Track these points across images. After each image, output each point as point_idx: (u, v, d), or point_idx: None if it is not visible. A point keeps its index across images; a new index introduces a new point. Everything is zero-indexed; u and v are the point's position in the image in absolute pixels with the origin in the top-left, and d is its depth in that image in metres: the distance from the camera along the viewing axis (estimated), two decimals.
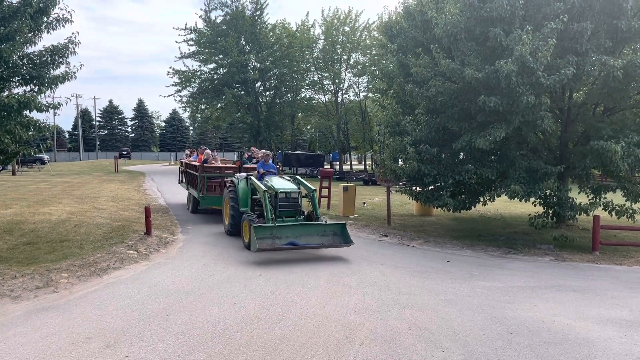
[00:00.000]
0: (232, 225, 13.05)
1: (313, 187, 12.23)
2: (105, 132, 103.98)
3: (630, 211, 12.02)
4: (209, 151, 17.65)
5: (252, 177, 12.75)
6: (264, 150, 15.16)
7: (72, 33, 11.35)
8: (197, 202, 17.01)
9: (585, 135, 13.34)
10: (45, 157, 53.17)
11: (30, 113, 10.96)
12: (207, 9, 43.34)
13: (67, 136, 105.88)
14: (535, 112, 11.75)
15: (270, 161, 14.16)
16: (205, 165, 16.16)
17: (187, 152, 21.68)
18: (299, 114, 55.07)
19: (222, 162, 18.03)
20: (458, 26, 12.43)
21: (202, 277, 9.15)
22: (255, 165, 15.28)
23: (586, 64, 11.75)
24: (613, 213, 12.29)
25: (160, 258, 10.74)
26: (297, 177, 12.96)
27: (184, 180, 19.70)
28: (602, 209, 12.40)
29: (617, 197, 12.73)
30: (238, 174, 13.83)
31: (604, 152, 11.13)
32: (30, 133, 11.24)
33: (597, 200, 12.61)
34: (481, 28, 12.26)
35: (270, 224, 10.81)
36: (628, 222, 12.74)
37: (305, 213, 11.86)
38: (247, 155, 18.03)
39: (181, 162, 20.76)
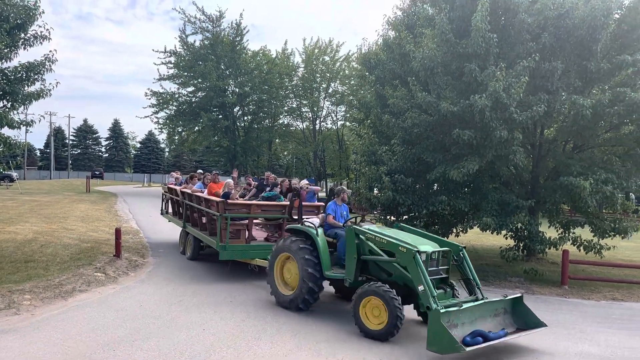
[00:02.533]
0: (309, 298, 8.68)
1: (457, 243, 8.55)
2: (79, 151, 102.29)
3: (598, 247, 12.27)
4: (231, 181, 12.27)
5: (358, 228, 8.56)
6: (339, 188, 10.28)
7: (50, 51, 11.25)
8: (200, 247, 13.41)
9: (556, 171, 13.66)
10: (14, 174, 51.87)
11: (1, 129, 10.74)
12: (186, 33, 43.47)
13: (38, 154, 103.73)
14: (508, 147, 12.01)
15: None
16: (231, 202, 11.13)
17: (176, 175, 17.63)
18: (277, 140, 55.15)
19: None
20: (435, 60, 12.73)
21: (171, 301, 8.95)
22: (312, 203, 11.99)
23: (557, 102, 12.13)
24: (581, 248, 12.54)
25: (129, 281, 10.49)
26: (403, 225, 9.34)
27: (176, 213, 15.73)
28: (571, 244, 12.64)
29: (585, 233, 13.00)
30: (311, 219, 9.66)
31: (573, 188, 11.40)
32: (0, 149, 10.99)
33: (566, 235, 12.86)
34: (457, 63, 12.57)
35: (452, 308, 6.96)
36: (595, 258, 13.00)
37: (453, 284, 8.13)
38: (252, 183, 14.56)
39: (169, 189, 16.61)
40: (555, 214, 13.67)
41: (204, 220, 12.57)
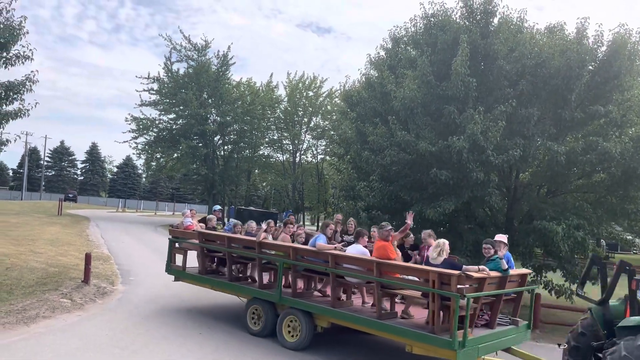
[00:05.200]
0: None
1: None
2: (53, 172, 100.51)
3: (569, 291, 12.40)
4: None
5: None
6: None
7: (32, 71, 11.18)
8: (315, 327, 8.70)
9: (530, 215, 13.89)
10: None
11: None
12: (171, 61, 43.67)
13: (10, 174, 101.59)
14: (484, 188, 12.22)
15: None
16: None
17: (189, 211, 12.15)
18: (256, 171, 55.10)
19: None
20: (415, 101, 12.99)
21: (138, 331, 8.71)
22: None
23: (532, 147, 12.43)
24: (552, 292, 12.65)
25: (95, 309, 10.20)
26: None
27: (237, 277, 10.36)
28: (543, 288, 12.74)
29: (556, 277, 13.15)
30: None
31: (546, 232, 11.59)
32: None
33: (539, 278, 12.98)
34: (437, 104, 12.85)
35: None
36: (566, 302, 13.11)
37: None
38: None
39: (201, 235, 10.61)
40: (528, 257, 13.82)
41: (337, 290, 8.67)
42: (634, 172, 12.30)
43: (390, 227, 8.23)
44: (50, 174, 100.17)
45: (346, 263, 8.28)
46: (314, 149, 51.55)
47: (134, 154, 46.98)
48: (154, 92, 43.22)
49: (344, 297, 8.84)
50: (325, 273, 8.64)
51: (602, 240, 20.94)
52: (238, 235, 10.16)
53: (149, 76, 42.75)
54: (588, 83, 13.00)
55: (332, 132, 44.26)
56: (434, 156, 12.19)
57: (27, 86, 11.08)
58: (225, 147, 49.13)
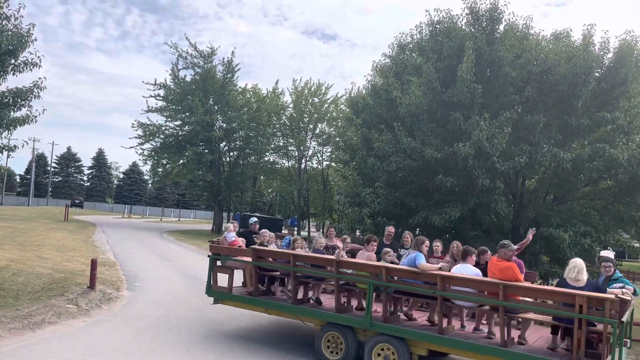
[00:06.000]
0: None
1: None
2: (60, 178, 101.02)
3: None
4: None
5: None
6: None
7: (39, 78, 11.26)
8: None
9: (536, 222, 13.83)
10: None
11: None
12: (177, 67, 43.91)
13: (18, 179, 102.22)
14: (490, 195, 12.19)
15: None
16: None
17: (232, 226, 10.77)
18: (261, 177, 55.20)
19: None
20: (421, 107, 13.01)
21: (144, 337, 8.71)
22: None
23: (538, 154, 12.41)
24: None
25: (101, 315, 10.20)
26: None
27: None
28: None
29: None
30: None
31: (553, 239, 11.55)
32: None
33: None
34: (442, 111, 12.86)
35: None
36: None
37: None
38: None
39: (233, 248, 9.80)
40: (534, 265, 13.76)
41: None
42: None
43: (513, 246, 7.47)
44: (57, 180, 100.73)
45: (458, 285, 7.40)
46: (319, 155, 51.63)
47: (140, 160, 47.21)
48: (160, 98, 43.46)
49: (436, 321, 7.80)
50: (417, 294, 7.89)
51: (609, 247, 20.80)
52: (310, 253, 9.10)
53: (155, 83, 43.00)
54: (594, 90, 12.99)
55: (337, 139, 44.32)
56: (439, 163, 12.18)
57: (34, 93, 11.16)
58: (231, 154, 49.24)
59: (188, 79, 43.89)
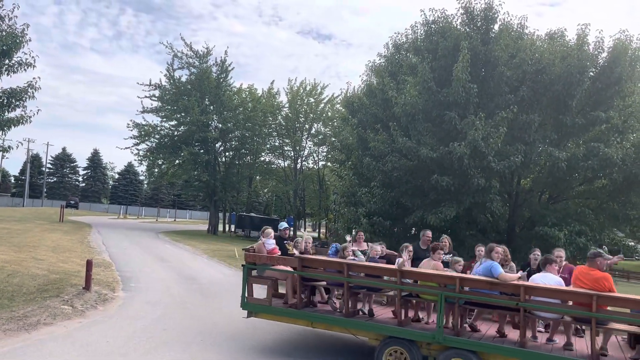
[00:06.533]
0: None
1: None
2: (55, 179, 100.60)
3: None
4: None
5: None
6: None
7: (34, 78, 11.22)
8: None
9: (531, 221, 13.88)
10: None
11: None
12: (173, 67, 43.82)
13: (12, 180, 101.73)
14: (485, 195, 12.22)
15: None
16: None
17: (272, 231, 9.83)
18: (257, 177, 55.17)
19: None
20: (416, 107, 13.03)
21: (139, 338, 8.69)
22: None
23: (533, 153, 12.46)
24: None
25: (97, 315, 10.17)
26: None
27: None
28: None
29: None
30: None
31: (548, 238, 11.59)
32: None
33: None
34: (438, 111, 12.89)
35: None
36: None
37: None
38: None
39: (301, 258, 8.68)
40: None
41: None
42: (636, 178, 12.32)
43: (609, 256, 7.16)
44: (52, 180, 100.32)
45: (541, 296, 7.00)
46: (315, 155, 51.65)
47: (135, 160, 47.23)
48: (155, 98, 43.38)
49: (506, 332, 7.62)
50: (494, 306, 7.44)
51: (604, 246, 20.88)
52: (366, 263, 8.45)
53: (150, 83, 42.92)
54: (589, 89, 13.05)
55: (333, 139, 44.35)
56: (435, 162, 12.21)
57: (29, 93, 11.12)
58: (227, 154, 49.22)
59: (183, 79, 43.83)
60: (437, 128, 13.17)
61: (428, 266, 7.94)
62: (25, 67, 11.24)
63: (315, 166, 52.36)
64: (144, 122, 43.58)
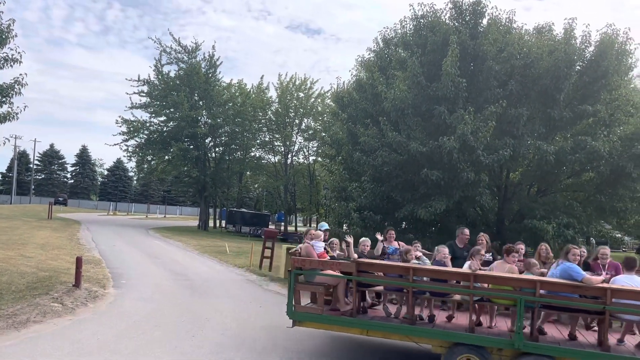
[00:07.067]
0: None
1: None
2: (43, 176, 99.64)
3: None
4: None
5: None
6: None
7: (20, 74, 11.11)
8: None
9: (520, 214, 13.99)
10: None
11: None
12: (161, 63, 43.51)
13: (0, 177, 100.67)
14: (475, 188, 12.30)
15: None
16: None
17: (322, 232, 9.38)
18: (247, 172, 55.03)
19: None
20: (406, 102, 13.05)
21: (130, 335, 8.67)
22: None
23: (522, 147, 12.53)
24: None
25: (87, 313, 10.13)
26: None
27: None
28: None
29: None
30: None
31: (536, 230, 11.69)
32: None
33: None
34: (427, 105, 12.92)
35: None
36: None
37: None
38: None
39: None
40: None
41: None
42: (623, 171, 12.44)
43: None
44: (40, 177, 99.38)
45: (626, 298, 6.83)
46: (305, 150, 51.60)
47: (124, 156, 46.82)
48: (144, 94, 43.08)
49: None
50: (576, 309, 7.25)
51: (591, 238, 21.14)
52: (435, 267, 8.08)
53: (139, 79, 42.60)
54: (576, 83, 13.15)
55: (323, 134, 44.33)
56: (424, 156, 12.25)
57: (15, 89, 11.01)
58: (217, 149, 49.06)
59: (172, 74, 43.57)
60: (427, 122, 13.21)
61: (501, 269, 7.66)
62: (12, 63, 11.12)
63: (305, 161, 52.36)
64: (132, 118, 43.30)
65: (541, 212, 12.73)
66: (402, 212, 12.94)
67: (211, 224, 52.92)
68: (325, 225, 9.87)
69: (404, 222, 14.24)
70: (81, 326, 9.04)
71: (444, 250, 8.29)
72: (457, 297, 7.89)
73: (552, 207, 13.43)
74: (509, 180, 14.63)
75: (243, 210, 53.69)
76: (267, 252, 19.56)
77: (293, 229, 57.96)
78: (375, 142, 13.69)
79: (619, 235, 16.26)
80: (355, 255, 8.26)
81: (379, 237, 9.12)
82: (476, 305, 7.56)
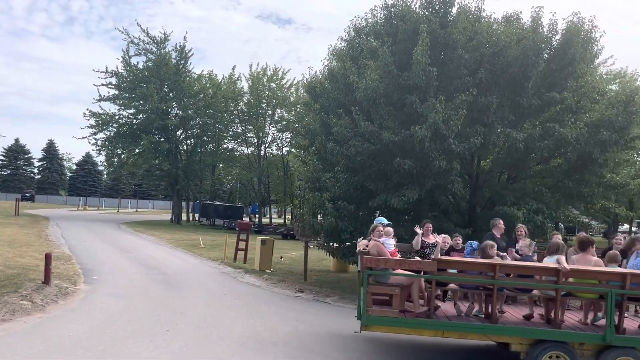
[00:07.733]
0: None
1: None
2: (8, 172, 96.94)
3: None
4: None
5: None
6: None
7: None
8: None
9: (491, 201, 14.21)
10: None
11: None
12: (129, 54, 42.65)
13: None
14: (447, 176, 12.43)
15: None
16: None
17: (391, 229, 8.84)
18: (220, 165, 54.59)
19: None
20: (377, 91, 13.07)
21: (103, 331, 8.54)
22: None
23: (492, 135, 12.70)
24: None
25: (57, 310, 9.93)
26: None
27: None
28: None
29: None
30: None
31: (507, 217, 11.89)
32: None
33: None
34: (399, 94, 12.96)
35: None
36: None
37: None
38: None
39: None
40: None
41: None
42: (589, 157, 12.73)
43: None
44: (6, 173, 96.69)
45: None
46: (279, 141, 51.42)
47: (93, 150, 45.96)
48: (112, 86, 42.22)
49: None
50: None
51: (560, 223, 21.66)
52: (521, 263, 7.85)
53: (106, 70, 41.70)
54: (544, 71, 13.36)
55: (296, 124, 44.20)
56: (397, 146, 12.31)
57: None
58: (188, 142, 48.50)
59: (141, 66, 42.77)
60: (399, 112, 13.26)
61: (585, 262, 7.54)
62: None
63: (279, 152, 52.17)
64: (101, 111, 42.40)
65: (512, 198, 12.95)
66: (376, 201, 13.00)
67: (184, 217, 52.40)
68: (383, 220, 9.08)
69: (377, 212, 14.32)
70: (52, 323, 8.86)
71: (525, 242, 8.34)
72: (536, 292, 7.75)
73: (522, 193, 13.68)
74: (480, 168, 14.83)
75: (216, 202, 53.29)
76: (242, 245, 19.50)
77: (267, 220, 57.85)
78: (348, 132, 13.69)
79: (587, 219, 16.67)
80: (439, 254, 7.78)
81: (418, 230, 8.81)
82: (554, 300, 7.33)
